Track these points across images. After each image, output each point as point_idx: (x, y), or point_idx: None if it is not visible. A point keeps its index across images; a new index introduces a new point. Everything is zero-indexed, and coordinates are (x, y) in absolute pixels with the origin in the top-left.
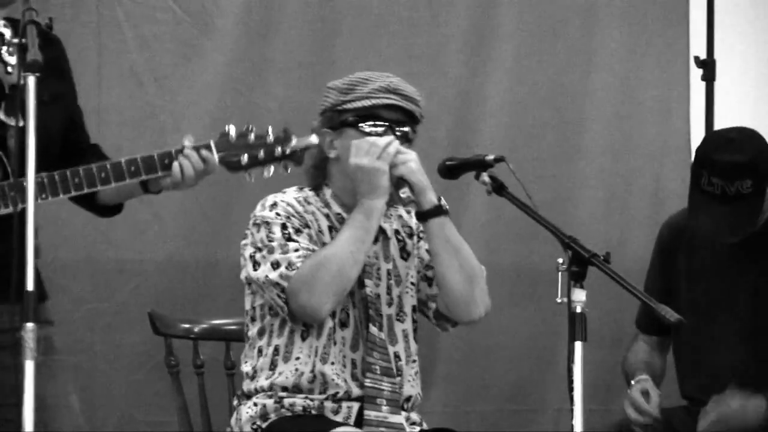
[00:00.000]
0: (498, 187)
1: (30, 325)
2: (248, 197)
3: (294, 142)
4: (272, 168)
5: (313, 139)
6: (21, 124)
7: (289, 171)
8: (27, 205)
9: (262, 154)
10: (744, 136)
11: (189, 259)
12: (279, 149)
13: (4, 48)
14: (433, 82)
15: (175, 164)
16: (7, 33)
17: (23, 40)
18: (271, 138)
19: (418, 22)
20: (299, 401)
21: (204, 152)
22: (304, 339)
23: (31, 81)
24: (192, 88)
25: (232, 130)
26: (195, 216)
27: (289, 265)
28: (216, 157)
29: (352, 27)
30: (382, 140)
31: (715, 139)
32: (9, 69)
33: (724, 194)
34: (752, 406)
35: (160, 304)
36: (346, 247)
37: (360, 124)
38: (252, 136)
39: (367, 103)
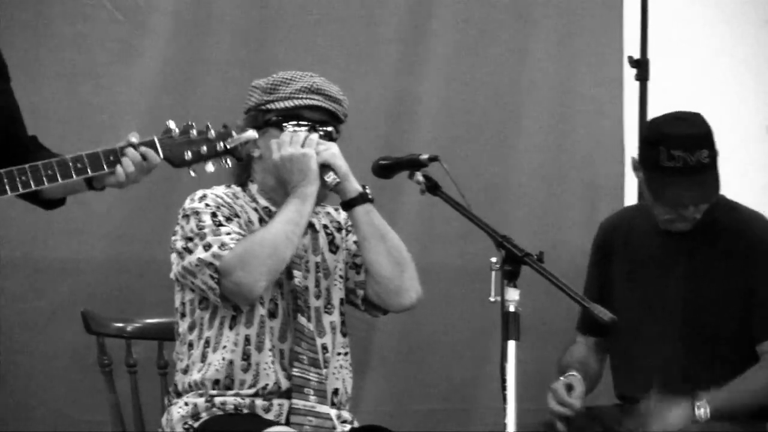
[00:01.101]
0: (432, 187)
1: None
2: (181, 198)
3: (234, 137)
4: (213, 163)
5: (252, 133)
6: None
7: (229, 165)
8: None
9: (204, 149)
10: (689, 114)
11: (124, 259)
12: (220, 144)
13: None
14: (369, 82)
15: (122, 162)
16: None
17: None
18: (212, 134)
19: (355, 22)
20: (230, 399)
21: (144, 149)
22: (231, 328)
23: None
24: (128, 87)
25: (173, 126)
26: (129, 216)
27: (222, 245)
28: (160, 153)
29: (290, 26)
30: (302, 132)
31: (663, 120)
32: None
33: (686, 165)
34: (675, 411)
35: (94, 303)
36: (281, 227)
37: (283, 124)
38: (194, 132)
39: (290, 104)
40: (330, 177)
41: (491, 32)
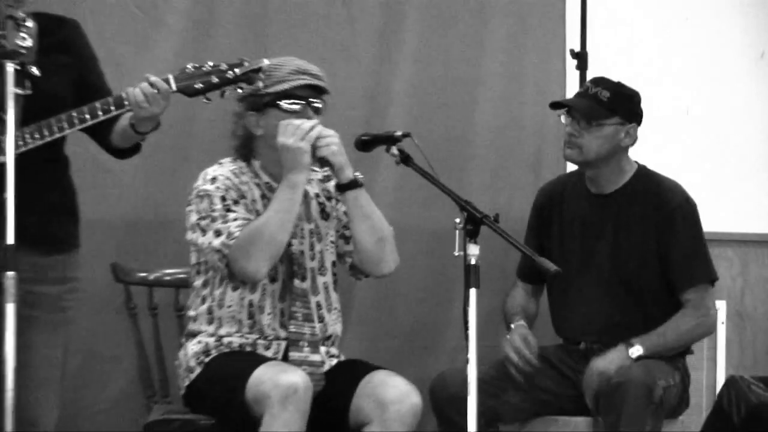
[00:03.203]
0: (405, 159)
1: (11, 273)
2: (193, 168)
3: (245, 65)
4: (229, 90)
5: (265, 60)
6: (26, 92)
7: (242, 91)
8: (6, 159)
9: (215, 78)
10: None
11: (145, 218)
12: (231, 72)
13: (21, 34)
14: (349, 70)
15: (129, 90)
16: (29, 22)
17: (2, 33)
18: (224, 66)
19: (335, 19)
20: (236, 339)
21: (154, 79)
22: (235, 290)
23: (9, 67)
24: (147, 70)
25: (189, 65)
26: (150, 182)
27: (229, 235)
28: (173, 86)
29: (280, 24)
30: (307, 123)
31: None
32: (22, 50)
33: (586, 90)
34: (613, 352)
35: (121, 256)
36: (275, 218)
37: (279, 103)
38: (207, 66)
39: (285, 86)
40: (327, 173)
41: (453, 28)
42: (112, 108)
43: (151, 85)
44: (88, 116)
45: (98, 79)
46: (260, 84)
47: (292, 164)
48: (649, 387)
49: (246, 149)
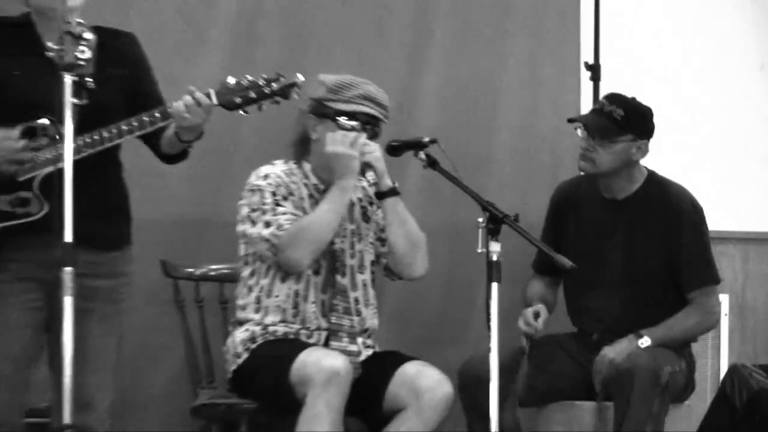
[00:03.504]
0: (432, 163)
1: (69, 268)
2: (236, 172)
3: (281, 81)
4: (266, 104)
5: (299, 76)
6: (82, 102)
7: (279, 104)
8: (64, 165)
9: (253, 93)
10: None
11: (191, 217)
12: (268, 88)
13: (80, 47)
14: (380, 82)
15: (173, 103)
16: (87, 35)
17: (61, 47)
18: (262, 81)
19: (368, 36)
20: (281, 328)
21: (198, 94)
22: (283, 281)
23: (67, 78)
24: (193, 79)
25: (230, 79)
26: (196, 184)
27: (279, 227)
28: (214, 99)
29: (317, 39)
30: (353, 133)
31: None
32: (81, 62)
33: (601, 107)
34: (623, 342)
35: (169, 253)
36: (324, 216)
37: (339, 119)
38: (246, 81)
39: (348, 107)
40: (370, 176)
41: (476, 43)
42: (158, 119)
43: (194, 98)
44: (136, 127)
45: (151, 88)
46: (328, 95)
47: (343, 170)
48: (656, 372)
49: (300, 148)
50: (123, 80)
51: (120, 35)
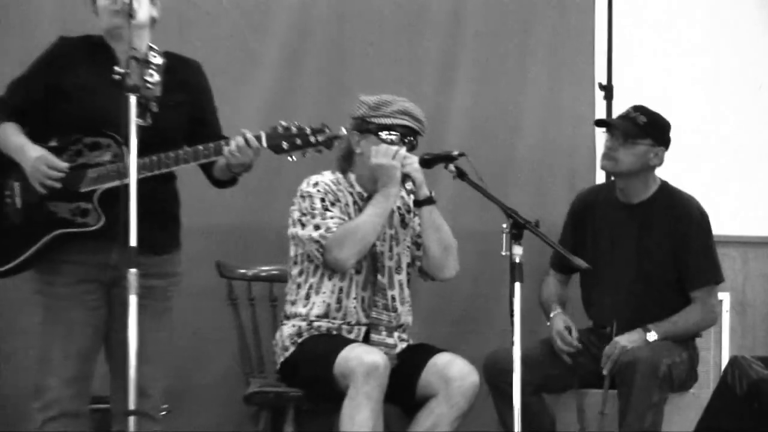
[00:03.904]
0: (460, 174)
1: (133, 270)
2: (284, 183)
3: (326, 132)
4: (309, 151)
5: (342, 130)
6: (146, 123)
7: (322, 153)
8: (129, 181)
9: (299, 141)
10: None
11: (243, 224)
12: (313, 137)
13: (149, 70)
14: (415, 97)
15: (225, 148)
16: (156, 59)
17: (126, 71)
18: (308, 130)
19: (403, 61)
20: (324, 324)
21: (249, 136)
22: (329, 279)
23: (132, 99)
24: (248, 99)
25: (282, 123)
26: (248, 194)
27: (327, 229)
28: (264, 143)
29: (358, 65)
30: (394, 147)
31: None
32: (149, 86)
33: (627, 114)
34: (632, 334)
35: (224, 255)
36: (369, 220)
37: (380, 133)
38: (294, 128)
39: (388, 121)
40: (409, 185)
41: (501, 65)
42: (211, 154)
43: (245, 140)
44: (191, 157)
45: (212, 117)
46: (369, 112)
47: (387, 179)
48: (655, 365)
49: (345, 161)
50: (186, 106)
51: (188, 63)
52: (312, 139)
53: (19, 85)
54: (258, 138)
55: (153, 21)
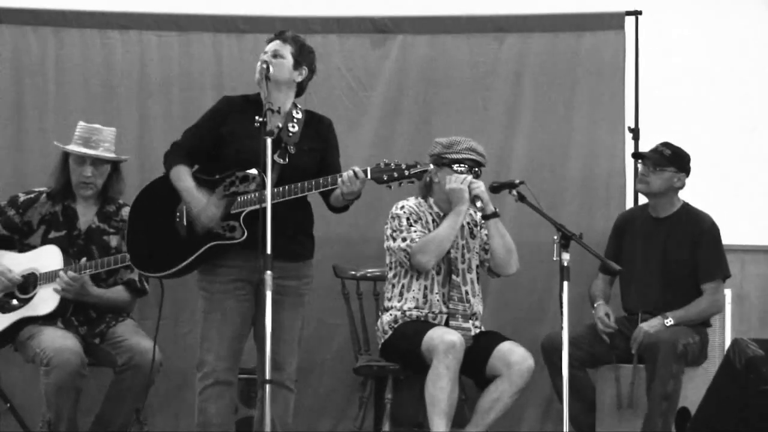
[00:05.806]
0: (521, 198)
1: (269, 272)
2: (383, 205)
3: (418, 168)
4: (404, 182)
5: (431, 166)
6: (284, 162)
7: (414, 183)
8: (266, 204)
9: (395, 174)
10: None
11: (353, 236)
12: (407, 171)
13: (290, 124)
14: (482, 141)
15: (339, 179)
16: (297, 114)
17: (264, 119)
18: (403, 165)
19: (474, 108)
20: (414, 313)
21: (358, 170)
22: (417, 280)
23: (268, 141)
24: (356, 140)
25: (382, 162)
26: (357, 213)
27: (411, 240)
28: (368, 175)
29: (441, 113)
30: (463, 175)
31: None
32: (290, 133)
33: (655, 148)
34: (653, 320)
35: (338, 259)
36: (444, 232)
37: (454, 165)
38: (393, 165)
39: (459, 156)
40: (479, 203)
41: (552, 113)
42: (329, 184)
43: (354, 173)
44: (314, 186)
45: (334, 160)
46: (444, 150)
47: (458, 200)
48: (674, 344)
49: (426, 189)
50: (317, 152)
51: (322, 120)
52: (407, 172)
53: (191, 132)
54: (365, 172)
55: (295, 83)
